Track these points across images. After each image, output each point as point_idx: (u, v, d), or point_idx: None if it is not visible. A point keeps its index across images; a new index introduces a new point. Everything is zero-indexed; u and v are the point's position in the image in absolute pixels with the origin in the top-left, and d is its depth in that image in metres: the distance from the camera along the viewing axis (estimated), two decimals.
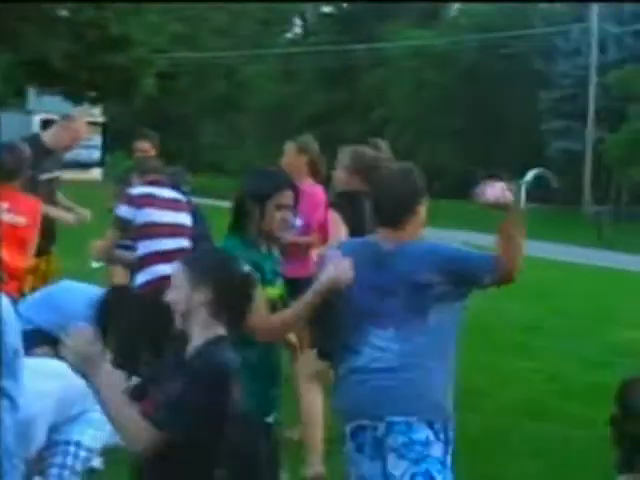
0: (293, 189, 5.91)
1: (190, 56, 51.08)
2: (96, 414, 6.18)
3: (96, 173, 48.88)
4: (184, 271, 4.80)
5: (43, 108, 43.39)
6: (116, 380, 4.53)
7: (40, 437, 6.10)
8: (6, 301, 5.34)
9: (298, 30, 72.37)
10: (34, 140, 9.78)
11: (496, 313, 16.68)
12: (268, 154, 32.65)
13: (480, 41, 53.57)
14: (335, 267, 5.46)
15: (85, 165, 45.28)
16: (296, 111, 59.02)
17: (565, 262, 30.06)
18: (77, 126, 10.04)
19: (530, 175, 52.62)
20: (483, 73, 55.48)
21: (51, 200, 9.65)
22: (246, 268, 4.90)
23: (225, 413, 4.48)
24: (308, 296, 5.53)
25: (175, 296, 4.72)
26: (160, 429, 4.26)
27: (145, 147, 10.97)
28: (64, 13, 35.40)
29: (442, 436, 5.54)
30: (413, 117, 57.22)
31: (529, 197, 52.40)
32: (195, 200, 10.32)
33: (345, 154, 8.09)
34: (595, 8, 51.01)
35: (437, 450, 5.53)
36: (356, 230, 7.36)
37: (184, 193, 9.47)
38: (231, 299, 4.66)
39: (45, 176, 9.71)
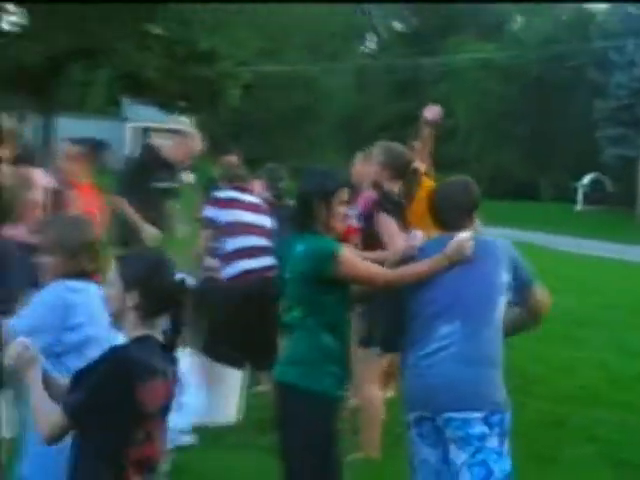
0: (349, 186, 5.92)
1: (272, 69, 50.98)
2: (180, 396, 6.34)
3: (187, 177, 49.53)
4: (118, 272, 4.70)
5: (138, 117, 43.89)
6: (39, 379, 4.55)
7: None
8: (95, 289, 5.40)
9: (372, 46, 72.36)
10: (151, 151, 9.98)
11: (552, 307, 15.91)
12: (342, 160, 32.79)
13: (541, 54, 53.14)
14: (457, 244, 5.45)
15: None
16: (368, 120, 58.90)
17: (617, 260, 29.54)
18: (193, 142, 10.07)
19: (587, 179, 52.71)
20: (543, 84, 54.94)
21: (160, 208, 9.65)
22: (178, 275, 4.67)
23: (119, 405, 4.30)
24: (424, 265, 5.51)
25: (109, 293, 4.65)
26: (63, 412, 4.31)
27: (232, 160, 10.94)
28: (157, 31, 35.80)
29: (497, 429, 5.45)
30: (479, 126, 57.03)
31: (586, 200, 52.58)
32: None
33: (379, 148, 8.00)
34: None
35: (493, 442, 5.45)
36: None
37: (279, 189, 9.73)
38: (159, 305, 4.54)
39: (159, 185, 9.71)
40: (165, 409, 4.54)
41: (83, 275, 5.45)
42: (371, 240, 7.22)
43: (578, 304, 17.92)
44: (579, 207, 51.64)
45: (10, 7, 36.36)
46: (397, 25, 70.95)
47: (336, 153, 57.11)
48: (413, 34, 65.88)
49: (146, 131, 41.60)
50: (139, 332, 4.48)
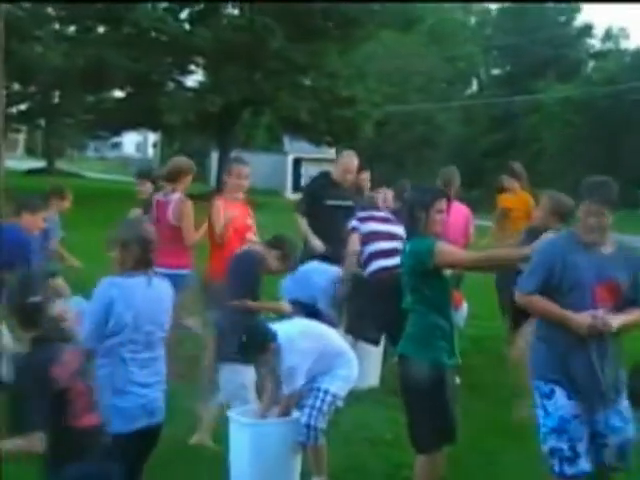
0: (446, 198, 5.91)
1: (398, 109, 50.79)
2: (343, 370, 6.36)
3: None
4: None
5: (294, 150, 44.00)
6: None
7: (299, 382, 6.12)
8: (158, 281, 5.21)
9: (475, 87, 70.84)
10: (326, 175, 9.75)
11: None
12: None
13: (608, 91, 51.26)
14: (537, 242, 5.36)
15: None
16: (473, 148, 57.98)
17: None
18: (351, 160, 9.69)
19: None
20: (610, 115, 52.53)
21: (334, 221, 9.28)
22: (41, 296, 4.48)
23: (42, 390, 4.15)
24: (519, 251, 5.49)
25: None
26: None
27: (364, 178, 10.59)
28: (308, 82, 35.60)
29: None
30: (562, 150, 55.03)
31: None
32: None
33: (546, 198, 7.84)
34: None
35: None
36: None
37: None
38: (23, 320, 4.42)
39: (330, 202, 9.44)
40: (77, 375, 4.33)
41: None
42: None
43: None
44: None
45: (193, 67, 36.02)
46: (494, 70, 69.37)
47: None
48: (507, 76, 64.60)
49: (298, 161, 41.60)
50: (29, 335, 4.37)
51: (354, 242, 8.72)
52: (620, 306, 5.14)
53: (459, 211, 9.59)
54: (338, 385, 6.35)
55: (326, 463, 6.31)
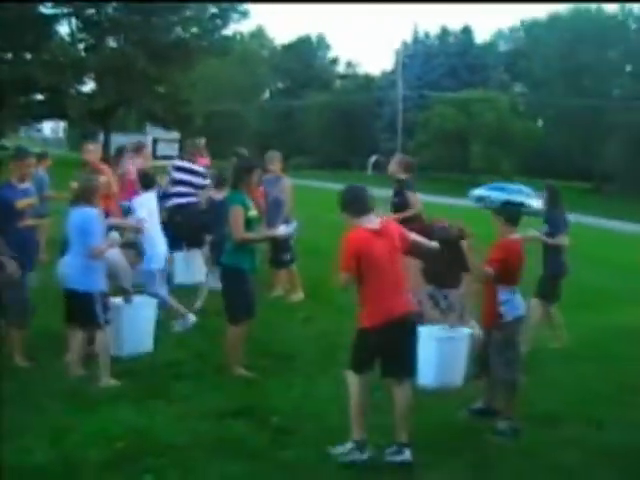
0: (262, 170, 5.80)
1: (217, 107, 49.44)
2: None
3: None
4: None
5: (153, 133, 39.57)
6: None
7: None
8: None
9: (267, 94, 68.33)
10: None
11: None
12: None
13: (349, 100, 52.34)
14: None
15: None
16: (266, 135, 55.53)
17: None
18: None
19: None
20: (349, 115, 53.31)
21: None
22: None
23: None
24: None
25: None
26: None
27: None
28: (161, 90, 35.68)
29: None
30: (323, 135, 55.71)
31: None
32: None
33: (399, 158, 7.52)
34: None
35: None
36: None
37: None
38: None
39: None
40: None
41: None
42: None
43: None
44: None
45: (86, 80, 35.57)
46: (279, 84, 67.05)
47: None
48: (287, 89, 63.74)
49: (156, 140, 36.98)
50: None
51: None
52: None
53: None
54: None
55: None
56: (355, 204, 4.44)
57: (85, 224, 5.29)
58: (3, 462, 4.00)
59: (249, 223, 5.51)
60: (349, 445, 4.42)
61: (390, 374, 4.52)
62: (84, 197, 5.39)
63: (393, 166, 7.39)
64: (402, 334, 4.44)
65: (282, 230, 6.15)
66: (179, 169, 8.47)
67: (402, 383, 4.51)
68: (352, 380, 4.46)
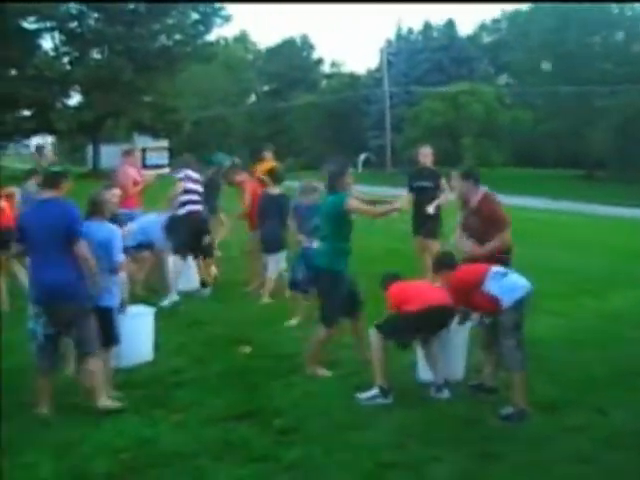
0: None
1: (205, 113, 49.80)
2: None
3: None
4: None
5: (141, 142, 37.26)
6: None
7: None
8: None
9: (253, 98, 68.12)
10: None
11: None
12: None
13: (336, 98, 51.83)
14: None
15: None
16: (255, 136, 54.53)
17: None
18: None
19: None
20: (338, 113, 52.97)
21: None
22: None
23: None
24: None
25: None
26: None
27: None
28: (148, 99, 35.60)
29: None
30: (310, 134, 55.84)
31: None
32: None
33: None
34: None
35: None
36: None
37: None
38: None
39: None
40: None
41: None
42: None
43: None
44: None
45: (73, 93, 35.23)
46: (265, 87, 66.91)
47: None
48: (273, 91, 63.25)
49: (144, 150, 34.05)
50: None
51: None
52: None
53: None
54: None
55: None
56: None
57: (110, 241, 5.30)
58: (8, 478, 4.03)
59: (348, 222, 5.65)
60: (374, 390, 5.01)
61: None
62: (99, 210, 5.41)
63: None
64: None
65: (405, 200, 6.23)
66: (190, 179, 8.81)
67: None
68: (375, 339, 5.18)
